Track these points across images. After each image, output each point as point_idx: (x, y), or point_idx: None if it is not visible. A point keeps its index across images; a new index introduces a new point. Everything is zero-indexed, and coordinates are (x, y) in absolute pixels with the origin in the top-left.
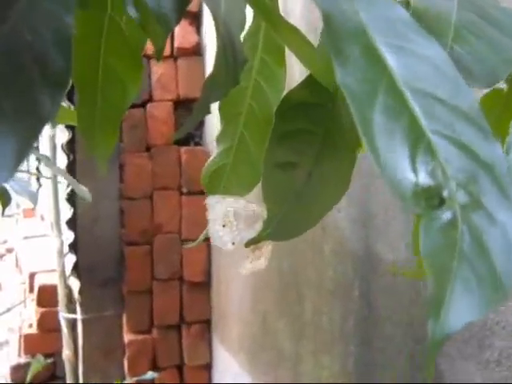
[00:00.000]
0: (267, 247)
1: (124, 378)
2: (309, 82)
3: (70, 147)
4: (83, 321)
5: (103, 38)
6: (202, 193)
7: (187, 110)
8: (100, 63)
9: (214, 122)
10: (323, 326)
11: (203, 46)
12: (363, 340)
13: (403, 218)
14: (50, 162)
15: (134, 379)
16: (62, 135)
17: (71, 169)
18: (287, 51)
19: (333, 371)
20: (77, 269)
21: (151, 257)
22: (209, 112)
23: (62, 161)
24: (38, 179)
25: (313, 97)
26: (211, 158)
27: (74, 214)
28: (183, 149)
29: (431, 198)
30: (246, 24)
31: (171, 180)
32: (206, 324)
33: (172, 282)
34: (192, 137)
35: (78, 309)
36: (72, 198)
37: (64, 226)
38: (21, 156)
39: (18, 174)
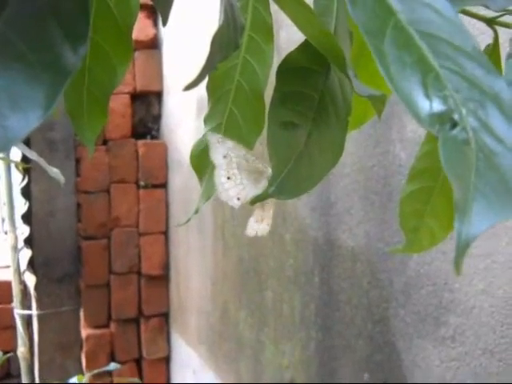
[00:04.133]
0: (269, 211)
1: (82, 374)
2: (305, 47)
3: (25, 139)
4: (39, 317)
5: (91, 17)
6: (159, 186)
7: (144, 102)
8: (88, 43)
9: (170, 116)
10: (284, 314)
11: (160, 39)
12: (324, 325)
13: (362, 206)
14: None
15: (96, 371)
16: None
17: (26, 162)
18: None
19: (294, 358)
20: (32, 264)
21: (108, 251)
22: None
23: (16, 153)
24: None
25: (308, 61)
26: (199, 138)
27: (30, 208)
28: (140, 142)
29: (444, 122)
30: None
31: (128, 173)
32: (165, 317)
33: (130, 275)
34: (149, 130)
35: (34, 305)
36: (27, 192)
37: (19, 221)
38: (50, 100)
39: None
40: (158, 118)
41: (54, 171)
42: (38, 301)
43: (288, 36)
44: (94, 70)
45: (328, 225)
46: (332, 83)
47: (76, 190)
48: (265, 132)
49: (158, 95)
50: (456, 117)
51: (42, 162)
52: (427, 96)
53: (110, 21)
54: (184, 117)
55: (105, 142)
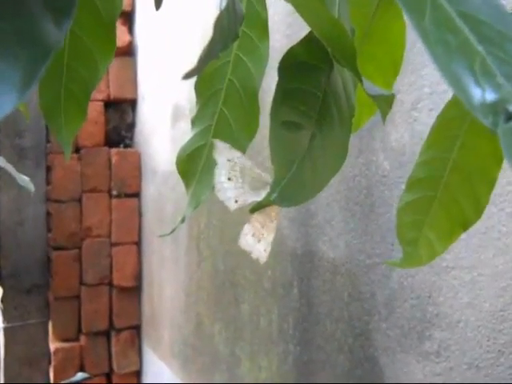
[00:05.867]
0: (270, 233)
1: None
2: (308, 41)
3: None
4: (5, 330)
5: None
6: (132, 195)
7: (118, 110)
8: (66, 35)
9: (145, 124)
10: (261, 327)
11: (135, 46)
12: (303, 339)
13: (343, 216)
14: None
15: (63, 382)
16: None
17: None
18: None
19: (271, 372)
20: None
21: (79, 261)
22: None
23: None
24: None
25: (311, 57)
26: (186, 142)
27: None
28: (113, 150)
29: (498, 112)
30: None
31: (101, 182)
32: (136, 330)
33: (101, 287)
34: (122, 139)
35: (0, 317)
36: None
37: None
38: (28, 81)
39: None
40: (131, 126)
41: (24, 179)
42: (5, 313)
43: (271, 43)
44: (74, 66)
45: (308, 236)
46: (335, 82)
47: (46, 198)
48: (264, 139)
49: (132, 103)
50: (511, 108)
51: (10, 168)
52: (478, 83)
53: (92, 13)
54: (158, 125)
55: (77, 150)
